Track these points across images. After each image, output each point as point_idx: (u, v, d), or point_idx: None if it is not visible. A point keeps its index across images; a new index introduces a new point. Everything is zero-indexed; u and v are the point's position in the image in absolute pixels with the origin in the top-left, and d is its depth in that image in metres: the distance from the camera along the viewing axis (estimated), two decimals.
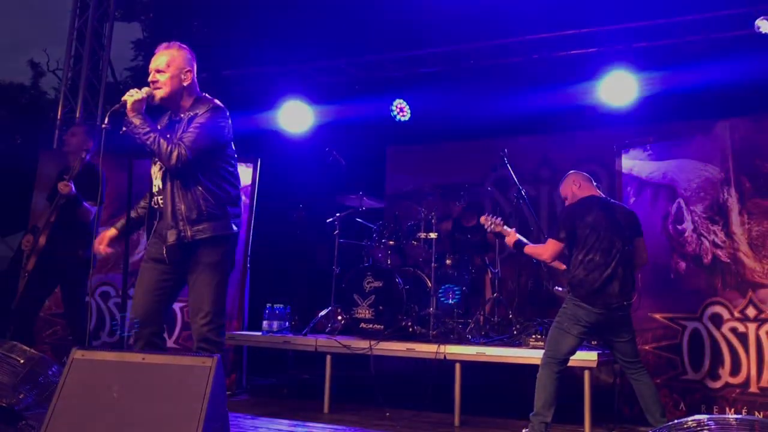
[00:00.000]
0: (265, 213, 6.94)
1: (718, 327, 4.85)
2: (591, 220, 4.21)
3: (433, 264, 5.80)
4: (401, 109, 8.01)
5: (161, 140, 3.19)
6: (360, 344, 5.40)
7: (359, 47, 7.61)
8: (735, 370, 4.71)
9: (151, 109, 3.35)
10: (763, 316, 4.60)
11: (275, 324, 6.05)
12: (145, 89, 3.29)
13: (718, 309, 4.88)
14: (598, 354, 4.65)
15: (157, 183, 3.38)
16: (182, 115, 3.35)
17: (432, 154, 8.88)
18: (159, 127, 3.36)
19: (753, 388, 4.58)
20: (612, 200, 4.49)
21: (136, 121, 3.20)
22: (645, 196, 5.49)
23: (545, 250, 4.34)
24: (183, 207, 3.26)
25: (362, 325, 5.79)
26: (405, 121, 8.04)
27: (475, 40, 7.15)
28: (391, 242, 6.16)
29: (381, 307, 5.72)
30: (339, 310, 6.06)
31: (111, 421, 2.80)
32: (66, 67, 7.61)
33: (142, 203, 3.57)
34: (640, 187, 5.53)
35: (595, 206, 4.29)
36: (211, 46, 8.02)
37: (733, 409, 4.62)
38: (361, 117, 8.12)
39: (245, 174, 6.55)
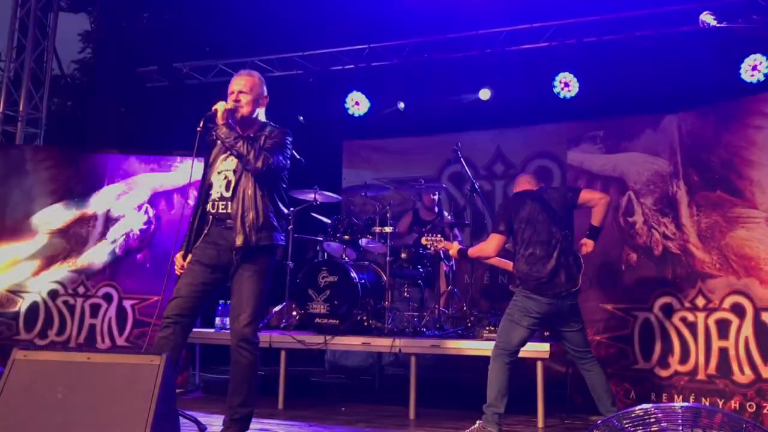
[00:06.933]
0: None
1: (669, 317, 4.94)
2: (525, 214, 4.26)
3: (388, 258, 5.79)
4: (357, 103, 7.98)
5: (248, 144, 3.49)
6: (315, 339, 5.36)
7: (311, 42, 7.56)
8: (684, 358, 4.82)
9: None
10: (711, 305, 4.71)
11: (228, 320, 5.95)
12: (231, 103, 3.61)
13: (668, 299, 4.98)
14: (551, 345, 4.71)
15: (219, 190, 3.63)
16: (252, 134, 3.64)
17: (388, 149, 8.89)
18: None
19: (701, 376, 4.68)
20: (545, 189, 4.50)
21: (225, 127, 3.52)
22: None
23: (488, 246, 4.37)
24: (252, 214, 3.54)
25: (317, 320, 5.73)
26: (361, 115, 8.01)
27: (428, 34, 7.16)
28: (346, 237, 6.12)
29: (336, 302, 5.69)
30: (294, 306, 6.00)
31: (56, 423, 2.71)
32: (8, 58, 7.35)
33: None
34: (590, 180, 5.60)
35: (528, 200, 4.33)
36: (162, 38, 7.85)
37: (681, 397, 4.71)
38: (316, 112, 8.08)
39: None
